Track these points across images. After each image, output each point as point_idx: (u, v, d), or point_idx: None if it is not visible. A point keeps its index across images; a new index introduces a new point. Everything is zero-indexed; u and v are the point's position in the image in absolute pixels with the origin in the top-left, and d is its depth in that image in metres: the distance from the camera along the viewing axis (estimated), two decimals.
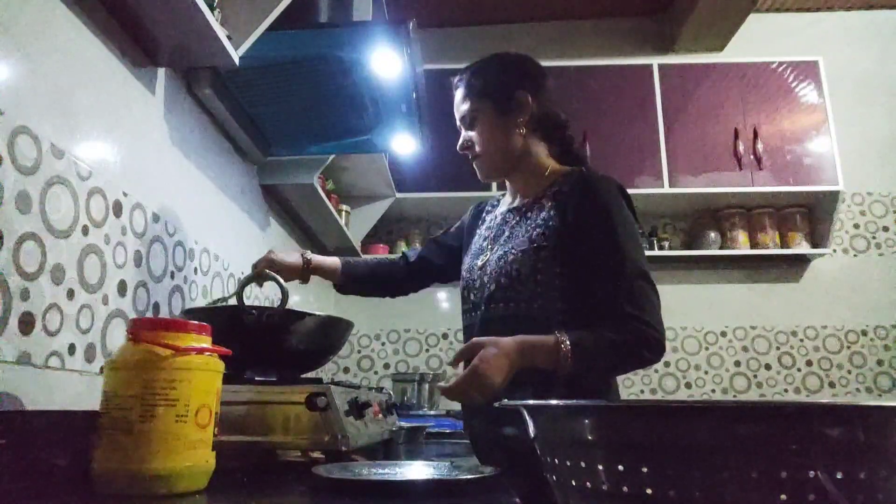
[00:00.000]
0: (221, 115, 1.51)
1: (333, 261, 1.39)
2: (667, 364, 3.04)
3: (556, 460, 0.47)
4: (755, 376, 3.01)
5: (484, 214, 1.36)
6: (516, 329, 1.04)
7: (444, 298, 3.15)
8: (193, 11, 1.06)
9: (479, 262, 1.23)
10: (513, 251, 1.15)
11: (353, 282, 1.41)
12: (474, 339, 1.02)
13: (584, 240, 1.10)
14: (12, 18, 0.85)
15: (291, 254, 1.32)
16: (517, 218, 1.22)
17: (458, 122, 1.27)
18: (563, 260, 1.11)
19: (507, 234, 1.22)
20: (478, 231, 1.33)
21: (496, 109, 1.21)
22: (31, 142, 0.86)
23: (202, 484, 0.69)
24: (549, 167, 1.23)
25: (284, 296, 1.11)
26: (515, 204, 1.26)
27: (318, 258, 1.35)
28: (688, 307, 3.08)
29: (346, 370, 3.09)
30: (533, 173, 1.23)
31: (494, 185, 2.75)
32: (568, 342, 0.99)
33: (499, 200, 1.37)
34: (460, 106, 1.25)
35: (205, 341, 0.72)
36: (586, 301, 1.08)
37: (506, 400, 0.54)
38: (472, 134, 1.24)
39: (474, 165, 1.27)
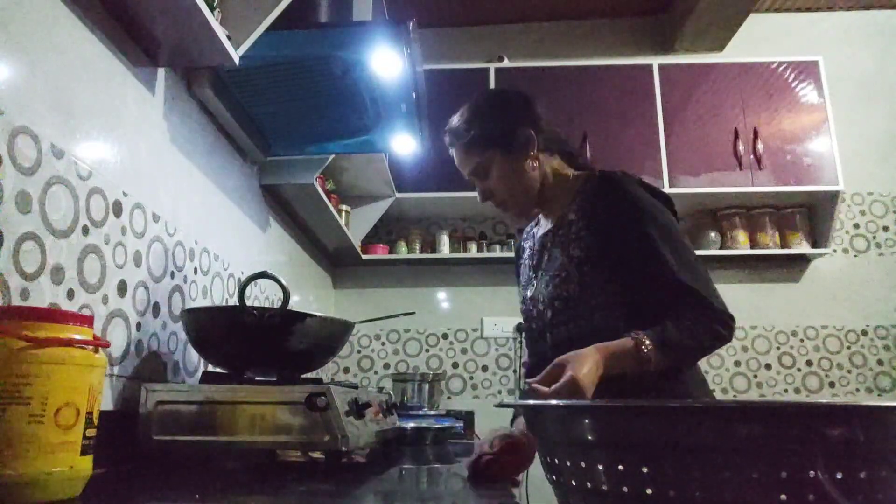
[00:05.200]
0: (221, 115, 1.51)
1: None
2: None
3: (556, 460, 0.47)
4: (755, 376, 3.01)
5: (522, 243, 1.38)
6: (587, 346, 1.00)
7: (444, 298, 3.14)
8: (193, 11, 1.06)
9: (530, 293, 1.25)
10: (557, 274, 1.16)
11: None
12: (557, 359, 0.97)
13: (618, 238, 1.10)
14: (12, 18, 0.85)
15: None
16: (552, 239, 1.23)
17: (467, 177, 1.26)
18: (606, 266, 1.11)
19: (546, 258, 1.23)
20: (522, 262, 1.35)
21: (505, 154, 1.19)
22: (31, 142, 0.86)
23: (71, 493, 0.63)
24: (570, 175, 1.24)
25: (285, 296, 1.11)
26: (549, 227, 1.26)
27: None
28: None
29: (346, 370, 3.09)
30: (558, 191, 1.23)
31: None
32: (648, 342, 0.97)
33: (531, 228, 1.37)
34: (465, 162, 1.23)
35: (79, 332, 0.65)
36: (643, 295, 1.08)
37: (506, 400, 0.54)
38: (489, 183, 1.22)
39: (503, 214, 1.27)
